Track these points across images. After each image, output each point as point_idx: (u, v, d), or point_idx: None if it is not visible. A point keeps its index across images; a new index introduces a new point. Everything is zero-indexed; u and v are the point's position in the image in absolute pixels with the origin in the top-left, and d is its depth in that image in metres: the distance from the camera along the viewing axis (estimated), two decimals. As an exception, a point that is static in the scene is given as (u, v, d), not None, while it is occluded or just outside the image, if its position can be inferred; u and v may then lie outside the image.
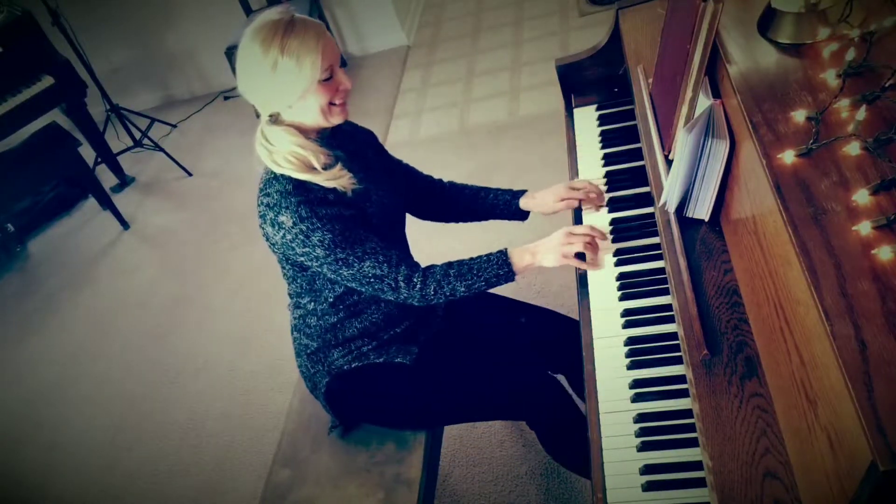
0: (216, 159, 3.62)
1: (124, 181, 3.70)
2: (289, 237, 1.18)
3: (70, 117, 3.43)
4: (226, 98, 4.13)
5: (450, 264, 1.25)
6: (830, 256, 0.77)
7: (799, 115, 0.94)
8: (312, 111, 1.18)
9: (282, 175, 1.18)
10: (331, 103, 1.18)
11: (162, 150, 3.57)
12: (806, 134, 0.91)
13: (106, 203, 3.40)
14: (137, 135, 3.66)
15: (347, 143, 1.31)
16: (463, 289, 1.24)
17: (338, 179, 1.19)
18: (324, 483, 1.39)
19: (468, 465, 1.85)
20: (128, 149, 3.66)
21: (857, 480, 0.64)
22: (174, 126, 4.02)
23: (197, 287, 2.86)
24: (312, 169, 1.18)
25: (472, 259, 1.26)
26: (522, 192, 1.48)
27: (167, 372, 2.51)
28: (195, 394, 2.39)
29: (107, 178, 3.68)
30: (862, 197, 0.81)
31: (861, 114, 0.88)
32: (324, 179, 1.18)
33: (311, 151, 1.18)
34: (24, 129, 3.25)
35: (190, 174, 3.57)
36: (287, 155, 1.18)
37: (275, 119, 1.20)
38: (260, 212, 1.22)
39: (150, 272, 3.05)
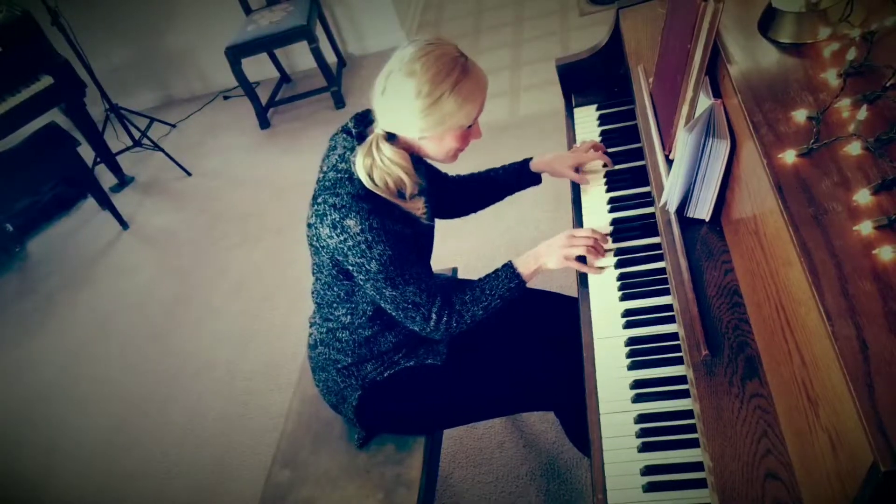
0: (215, 159, 3.62)
1: (123, 181, 3.70)
2: (350, 243, 1.15)
3: (69, 117, 3.43)
4: (225, 98, 4.13)
5: (462, 291, 1.26)
6: (831, 257, 0.77)
7: (800, 115, 0.94)
8: (439, 150, 1.19)
9: (358, 178, 1.16)
10: (458, 150, 1.20)
11: (161, 149, 3.57)
12: (807, 134, 0.91)
13: (105, 203, 3.40)
14: (137, 134, 3.66)
15: (422, 172, 1.30)
16: (481, 312, 1.25)
17: (416, 210, 1.20)
18: (323, 484, 1.39)
19: (468, 466, 1.85)
20: (127, 148, 3.66)
21: (858, 481, 0.64)
22: (173, 126, 4.02)
23: (196, 287, 2.85)
24: (401, 196, 1.18)
25: (480, 280, 1.27)
26: (528, 159, 1.52)
27: (167, 372, 2.51)
28: (195, 394, 2.38)
29: (106, 178, 3.68)
30: (863, 197, 0.81)
31: (862, 113, 0.88)
32: (405, 207, 1.19)
33: (412, 181, 1.18)
34: (24, 128, 3.24)
35: (189, 174, 3.57)
36: (389, 179, 1.16)
37: (391, 137, 1.19)
38: (319, 210, 1.17)
39: (150, 272, 3.04)
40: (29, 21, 3.13)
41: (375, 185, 1.16)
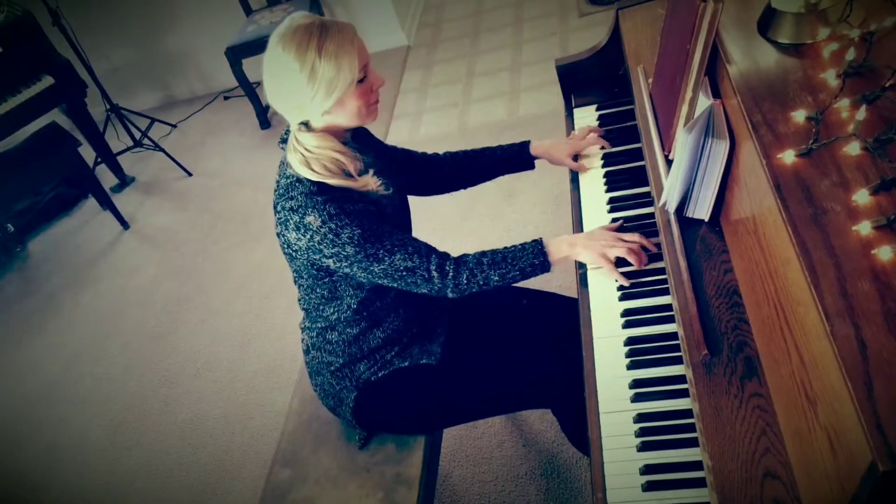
0: (216, 159, 3.63)
1: (124, 181, 3.70)
2: (317, 238, 1.16)
3: (70, 117, 3.43)
4: (226, 98, 4.13)
5: (483, 253, 1.24)
6: (830, 256, 0.77)
7: (799, 115, 0.94)
8: (350, 114, 1.17)
9: (304, 178, 1.17)
10: (368, 104, 1.18)
11: (162, 150, 3.57)
12: (806, 134, 0.91)
13: (106, 203, 3.40)
14: (137, 135, 3.66)
15: (366, 147, 1.30)
16: (497, 278, 1.22)
17: (370, 186, 1.19)
18: (323, 483, 1.39)
19: (468, 465, 1.85)
20: (128, 149, 3.66)
21: (856, 480, 0.64)
22: (174, 126, 4.02)
23: (197, 287, 2.86)
24: (349, 176, 1.18)
25: (506, 248, 1.25)
26: (527, 142, 1.52)
27: (167, 372, 2.52)
28: (195, 394, 2.39)
29: (107, 178, 3.68)
30: (862, 197, 0.81)
31: (861, 114, 0.88)
32: (357, 186, 1.18)
33: (349, 158, 1.18)
34: (25, 129, 3.25)
35: (190, 174, 3.58)
36: (326, 162, 1.16)
37: (307, 126, 1.19)
38: (281, 217, 1.19)
39: (150, 272, 3.05)
40: (30, 21, 3.13)
41: (318, 173, 1.16)
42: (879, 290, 0.72)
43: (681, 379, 1.08)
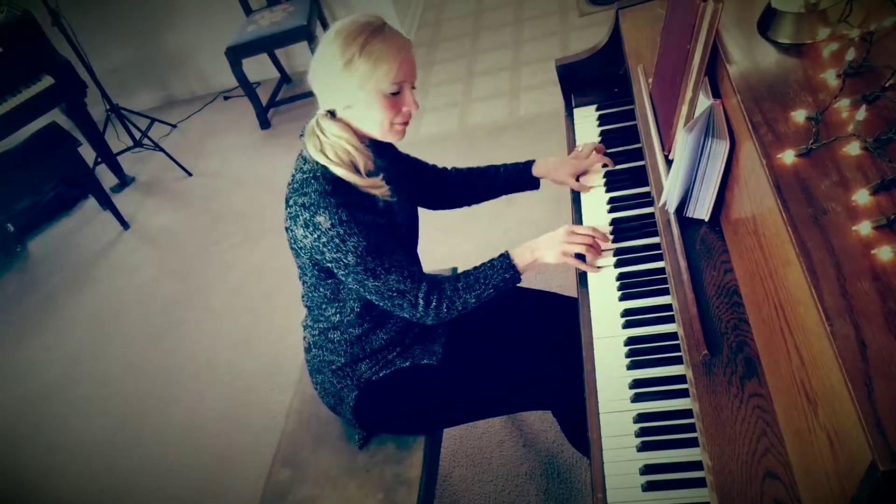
0: (216, 159, 3.63)
1: (124, 181, 3.70)
2: (323, 240, 1.16)
3: (70, 117, 3.43)
4: (226, 98, 4.13)
5: (456, 278, 1.26)
6: (830, 256, 0.77)
7: (799, 115, 0.94)
8: (371, 121, 1.18)
9: (321, 175, 1.17)
10: (392, 122, 1.19)
11: (162, 150, 3.57)
12: (806, 134, 0.91)
13: (106, 203, 3.40)
14: (137, 135, 3.66)
15: (383, 153, 1.31)
16: (473, 300, 1.25)
17: (376, 189, 1.20)
18: (323, 483, 1.39)
19: (468, 466, 1.85)
20: (128, 149, 3.66)
21: (857, 480, 0.64)
22: (174, 126, 4.02)
23: (197, 287, 2.86)
24: (356, 171, 1.19)
25: (475, 269, 1.27)
26: (531, 161, 1.52)
27: (167, 372, 2.51)
28: (195, 394, 2.39)
29: (107, 178, 3.69)
30: (862, 197, 0.81)
31: (861, 114, 0.88)
32: (364, 185, 1.18)
33: (361, 154, 1.19)
34: (25, 129, 3.25)
35: (190, 174, 3.58)
36: (339, 151, 1.18)
37: (331, 114, 1.20)
38: (291, 212, 1.19)
39: (150, 272, 3.05)
40: (29, 21, 3.13)
41: (330, 159, 1.17)
42: (879, 290, 0.72)
43: (681, 379, 1.08)
